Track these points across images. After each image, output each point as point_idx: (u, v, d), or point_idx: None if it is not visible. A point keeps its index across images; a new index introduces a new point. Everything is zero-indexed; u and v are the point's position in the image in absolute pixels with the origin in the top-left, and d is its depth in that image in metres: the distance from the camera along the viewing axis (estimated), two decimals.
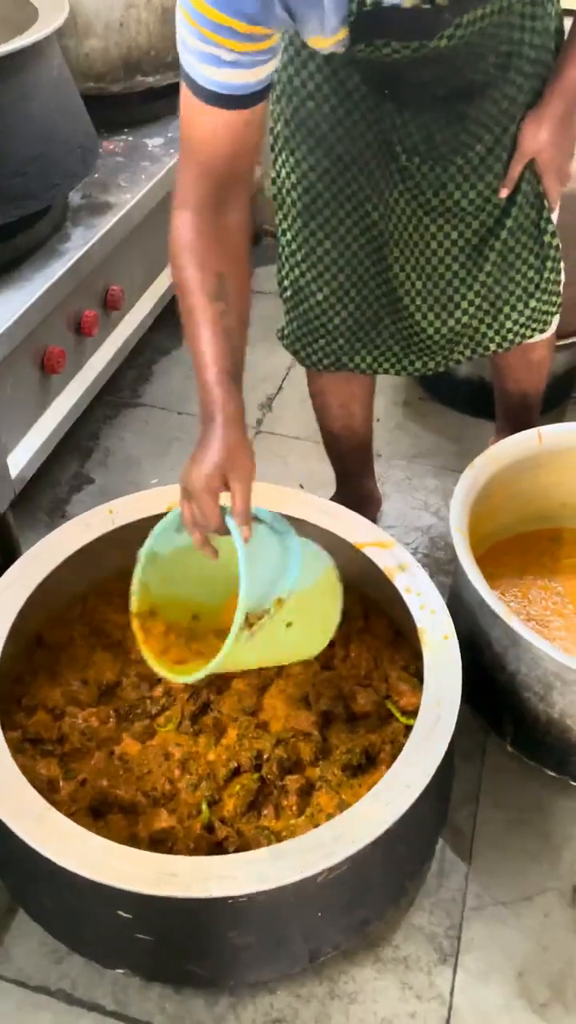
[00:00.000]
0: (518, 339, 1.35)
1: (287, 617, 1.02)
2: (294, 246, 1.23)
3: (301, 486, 1.80)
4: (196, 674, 1.01)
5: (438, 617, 1.16)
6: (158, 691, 1.27)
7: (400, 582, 1.22)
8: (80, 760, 1.17)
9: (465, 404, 1.96)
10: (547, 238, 1.26)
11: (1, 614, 1.17)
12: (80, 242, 1.41)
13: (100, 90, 1.69)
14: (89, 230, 1.44)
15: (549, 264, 1.28)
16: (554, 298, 1.33)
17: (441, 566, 1.63)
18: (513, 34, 1.07)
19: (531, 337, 1.36)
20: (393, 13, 0.88)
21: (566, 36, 1.15)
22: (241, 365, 0.96)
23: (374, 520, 1.70)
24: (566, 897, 1.17)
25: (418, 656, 1.19)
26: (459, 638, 1.14)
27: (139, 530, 1.30)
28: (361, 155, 1.14)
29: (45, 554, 1.25)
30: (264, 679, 1.28)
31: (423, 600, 1.19)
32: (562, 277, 1.32)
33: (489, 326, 1.33)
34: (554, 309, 1.34)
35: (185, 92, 0.90)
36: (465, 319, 1.29)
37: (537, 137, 1.15)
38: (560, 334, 1.75)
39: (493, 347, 1.36)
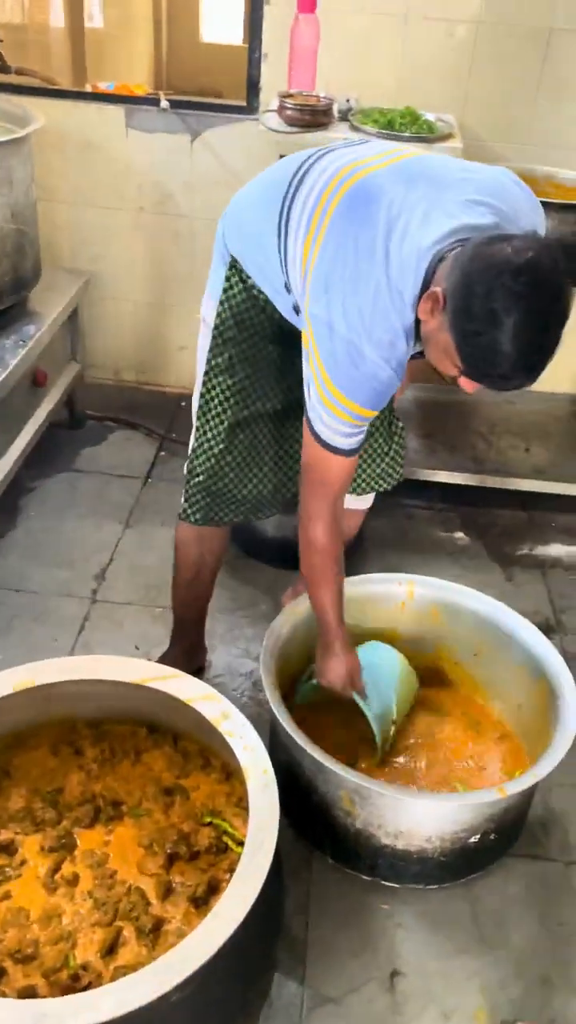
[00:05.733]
0: (374, 486, 1.83)
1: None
2: (214, 440, 1.62)
3: (136, 647, 2.01)
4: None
5: (256, 754, 1.39)
6: (16, 858, 1.40)
7: (224, 728, 1.45)
8: None
9: (273, 558, 2.28)
10: (396, 420, 1.80)
11: None
12: None
13: None
14: None
15: (396, 439, 1.81)
16: (400, 460, 1.84)
17: (264, 706, 1.87)
18: None
19: (383, 488, 1.85)
20: None
21: None
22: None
23: (203, 666, 1.95)
24: (384, 984, 1.39)
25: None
26: (279, 770, 1.37)
27: None
28: (269, 374, 1.62)
29: None
30: (109, 829, 1.45)
31: (244, 741, 1.42)
32: (406, 448, 1.86)
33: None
34: (400, 470, 1.85)
35: (331, 457, 1.39)
36: None
37: None
38: None
39: (355, 488, 1.81)
